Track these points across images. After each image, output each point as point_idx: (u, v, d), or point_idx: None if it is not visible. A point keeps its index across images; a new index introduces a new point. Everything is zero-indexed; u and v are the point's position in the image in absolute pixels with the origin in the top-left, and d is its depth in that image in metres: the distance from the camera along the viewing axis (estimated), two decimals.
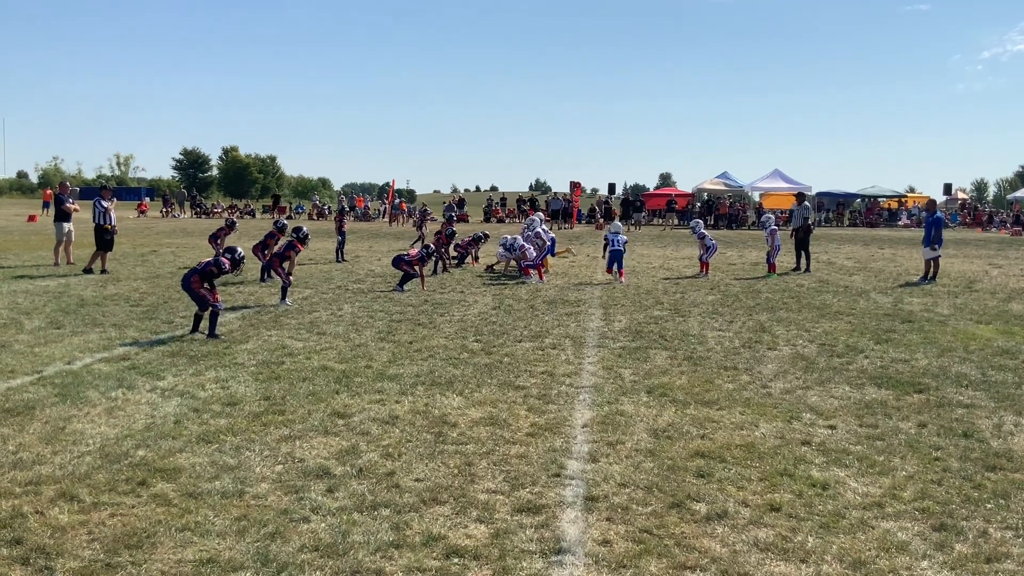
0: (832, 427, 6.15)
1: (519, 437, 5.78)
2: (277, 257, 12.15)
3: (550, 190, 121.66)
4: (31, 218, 38.66)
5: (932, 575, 3.89)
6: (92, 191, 25.95)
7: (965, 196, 60.62)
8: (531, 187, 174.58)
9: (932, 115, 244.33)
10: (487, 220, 45.83)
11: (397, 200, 47.41)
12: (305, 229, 12.54)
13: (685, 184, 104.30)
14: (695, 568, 3.90)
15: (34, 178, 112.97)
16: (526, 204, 46.37)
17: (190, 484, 4.78)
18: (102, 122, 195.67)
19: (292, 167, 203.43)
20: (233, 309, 11.25)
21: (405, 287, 13.68)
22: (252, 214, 49.25)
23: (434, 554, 3.99)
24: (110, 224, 15.93)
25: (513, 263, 16.56)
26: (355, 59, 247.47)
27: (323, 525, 4.27)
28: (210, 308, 9.27)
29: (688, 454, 5.48)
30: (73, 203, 17.05)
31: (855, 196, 52.65)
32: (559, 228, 35.94)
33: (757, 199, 49.97)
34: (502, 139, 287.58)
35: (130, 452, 5.30)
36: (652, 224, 44.40)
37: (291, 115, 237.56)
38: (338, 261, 19.19)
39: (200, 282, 9.33)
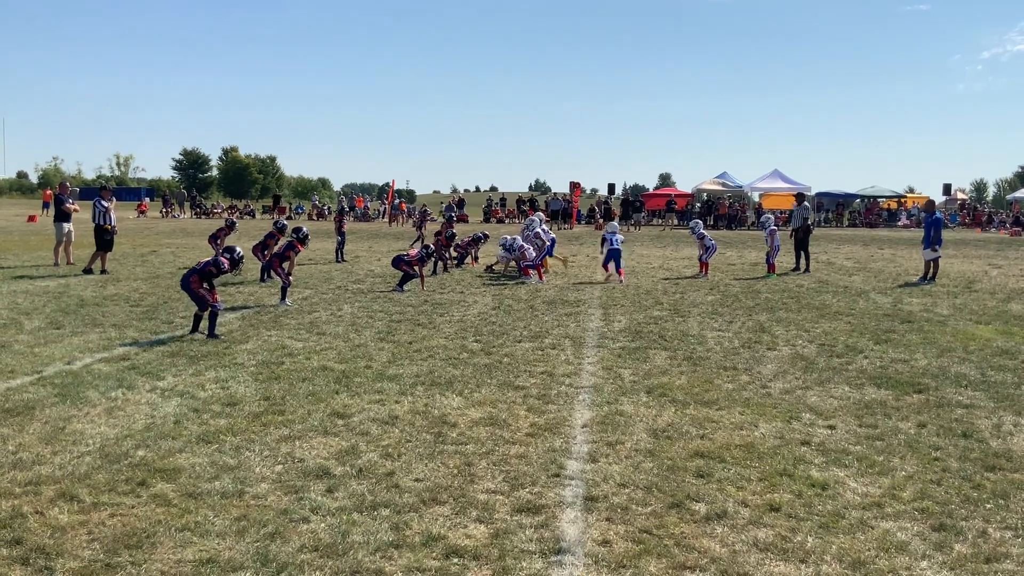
0: (831, 427, 6.16)
1: (519, 437, 5.78)
2: (277, 257, 12.16)
3: (550, 190, 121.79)
4: (31, 218, 38.67)
5: (931, 575, 3.90)
6: (92, 191, 25.96)
7: (964, 196, 60.61)
8: (531, 187, 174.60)
9: (932, 115, 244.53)
10: (487, 220, 45.84)
11: (397, 200, 47.42)
12: (305, 229, 12.55)
13: (685, 184, 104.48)
14: (695, 568, 3.90)
15: (34, 178, 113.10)
16: (526, 204, 46.38)
17: (190, 484, 4.79)
18: (102, 122, 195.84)
19: (292, 167, 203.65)
20: (233, 309, 11.25)
21: (405, 287, 13.69)
22: (252, 214, 49.21)
23: (434, 554, 3.99)
24: (110, 224, 15.93)
25: (513, 263, 16.57)
26: (355, 59, 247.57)
27: (323, 525, 4.27)
28: (209, 308, 9.27)
29: (688, 454, 5.48)
30: (73, 203, 17.05)
31: (854, 196, 52.66)
32: (559, 228, 35.94)
33: (757, 199, 49.99)
34: (502, 139, 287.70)
35: (130, 452, 5.30)
36: (652, 224, 44.40)
37: (291, 115, 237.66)
38: (338, 261, 19.19)
39: (199, 282, 9.33)
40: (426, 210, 30.34)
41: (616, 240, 15.90)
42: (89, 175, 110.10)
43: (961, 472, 5.22)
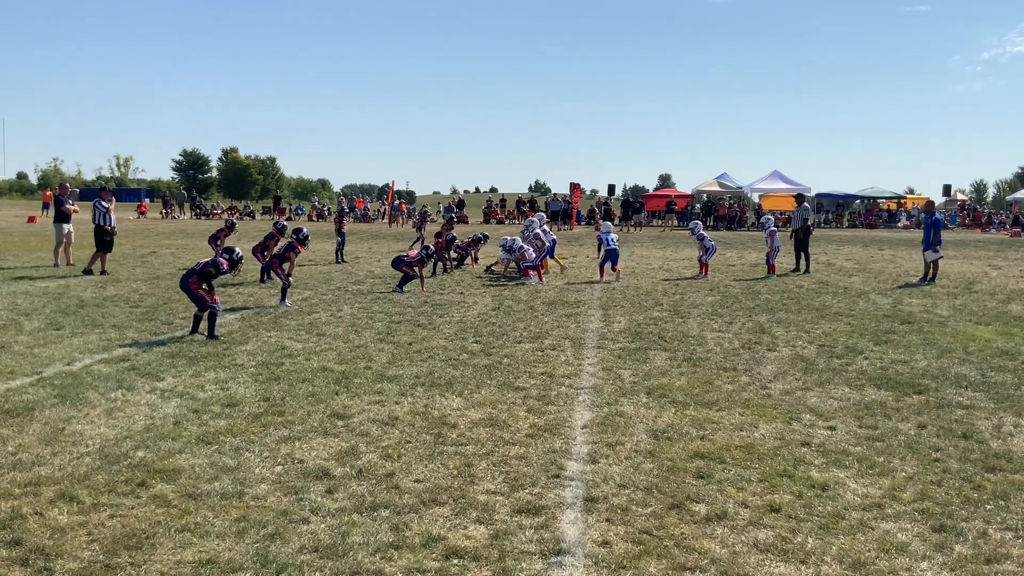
0: (832, 428, 6.16)
1: (519, 438, 5.78)
2: (277, 258, 12.16)
3: (550, 191, 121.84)
4: (31, 219, 38.67)
5: None
6: (92, 192, 25.94)
7: (964, 197, 60.67)
8: (531, 188, 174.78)
9: (932, 116, 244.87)
10: (487, 221, 45.86)
11: (397, 201, 47.43)
12: (305, 230, 12.54)
13: (684, 185, 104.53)
14: (695, 569, 3.90)
15: (34, 179, 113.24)
16: (526, 205, 46.39)
17: (189, 485, 4.78)
18: (102, 123, 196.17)
19: (292, 168, 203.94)
20: (233, 310, 11.25)
21: (405, 288, 13.68)
22: (252, 215, 49.25)
23: (434, 555, 3.99)
24: (110, 225, 15.93)
25: (513, 264, 16.57)
26: (355, 59, 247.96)
27: (323, 526, 4.27)
28: (208, 309, 9.26)
29: (688, 455, 5.48)
30: (73, 204, 17.05)
31: (854, 197, 52.68)
32: (559, 230, 35.94)
33: (756, 200, 50.00)
34: (502, 139, 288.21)
35: (129, 453, 5.30)
36: (651, 225, 44.39)
37: (291, 115, 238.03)
38: (338, 262, 19.19)
39: (198, 283, 9.32)
40: (426, 211, 30.34)
41: (612, 240, 15.97)
42: (89, 176, 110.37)
43: (961, 473, 5.22)
